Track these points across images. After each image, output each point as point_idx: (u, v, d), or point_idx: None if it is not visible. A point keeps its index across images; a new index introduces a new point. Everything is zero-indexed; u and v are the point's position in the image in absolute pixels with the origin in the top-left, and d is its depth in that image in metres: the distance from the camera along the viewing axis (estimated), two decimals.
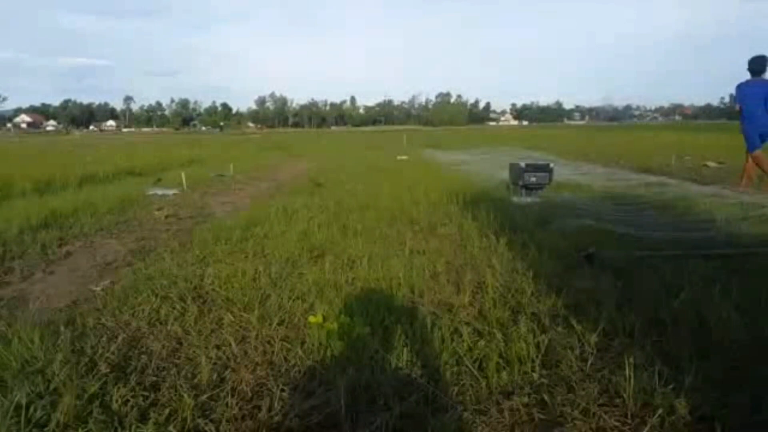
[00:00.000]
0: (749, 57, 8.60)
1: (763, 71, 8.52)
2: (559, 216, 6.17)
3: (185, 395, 2.43)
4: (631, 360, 2.49)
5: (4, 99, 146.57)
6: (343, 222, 6.10)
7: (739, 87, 8.81)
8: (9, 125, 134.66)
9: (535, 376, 2.58)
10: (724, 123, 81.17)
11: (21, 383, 2.48)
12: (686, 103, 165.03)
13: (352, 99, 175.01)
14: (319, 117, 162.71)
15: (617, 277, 3.92)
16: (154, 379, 2.66)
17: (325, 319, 3.07)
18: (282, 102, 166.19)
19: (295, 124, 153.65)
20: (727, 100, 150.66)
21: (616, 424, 2.21)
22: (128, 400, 2.40)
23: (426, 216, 6.51)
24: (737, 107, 8.91)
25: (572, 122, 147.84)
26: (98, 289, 4.15)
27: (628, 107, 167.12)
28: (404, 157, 18.44)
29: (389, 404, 2.35)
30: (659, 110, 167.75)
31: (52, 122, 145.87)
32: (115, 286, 4.16)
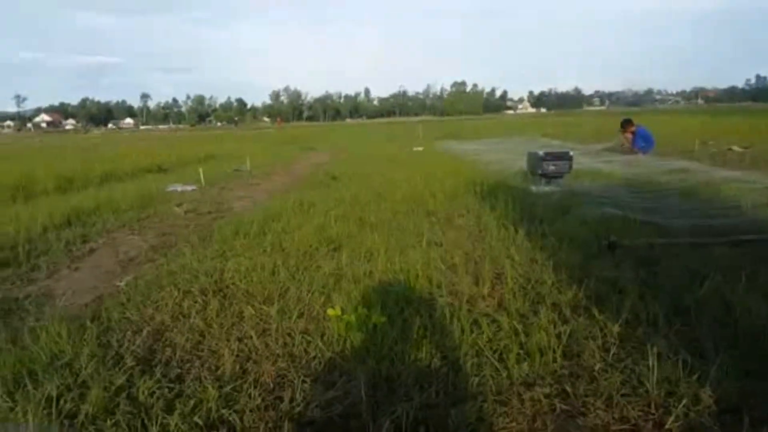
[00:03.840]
0: None
1: None
2: (579, 205, 6.10)
3: (209, 387, 2.46)
4: (655, 349, 2.47)
5: (24, 99, 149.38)
6: (360, 214, 6.10)
7: None
8: (29, 125, 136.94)
9: (557, 366, 2.57)
10: (749, 105, 79.04)
11: (50, 376, 2.56)
12: (709, 86, 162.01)
13: (366, 91, 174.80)
14: (333, 110, 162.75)
15: (640, 265, 3.87)
16: (179, 371, 2.71)
17: (343, 311, 3.09)
18: (296, 95, 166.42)
19: (310, 118, 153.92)
20: (753, 81, 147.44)
21: (640, 413, 2.19)
22: (154, 392, 2.45)
23: (443, 207, 6.49)
24: None
25: (592, 108, 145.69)
26: (122, 284, 4.21)
27: (649, 91, 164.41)
28: (420, 148, 18.37)
29: (410, 394, 2.35)
30: (681, 94, 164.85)
31: (71, 121, 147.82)
32: (138, 281, 4.22)
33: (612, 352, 2.65)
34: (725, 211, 5.54)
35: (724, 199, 6.22)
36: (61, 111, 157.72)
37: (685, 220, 5.18)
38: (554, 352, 2.65)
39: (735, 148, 12.65)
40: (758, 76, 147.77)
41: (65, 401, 2.36)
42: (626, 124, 13.10)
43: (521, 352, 2.68)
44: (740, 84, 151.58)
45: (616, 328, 2.85)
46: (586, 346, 2.73)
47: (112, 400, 2.39)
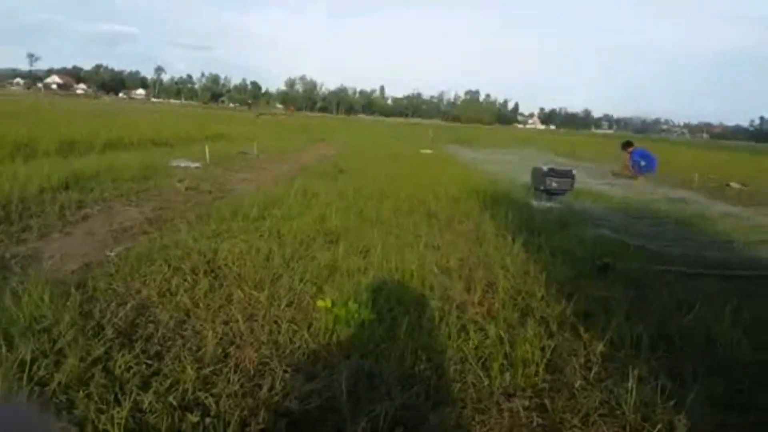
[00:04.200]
0: None
1: None
2: (577, 223, 6.11)
3: (188, 367, 2.45)
4: (636, 372, 2.48)
5: (37, 59, 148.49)
6: (361, 209, 6.10)
7: None
8: (39, 85, 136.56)
9: (538, 379, 2.57)
10: (752, 145, 80.00)
11: (27, 340, 2.52)
12: (715, 122, 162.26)
13: (382, 89, 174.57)
14: (347, 103, 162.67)
15: (629, 288, 3.88)
16: (159, 348, 2.70)
17: (333, 304, 3.08)
18: (311, 86, 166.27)
19: (323, 109, 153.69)
20: (757, 122, 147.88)
21: None
22: (131, 367, 2.43)
23: (444, 210, 6.49)
24: None
25: (599, 131, 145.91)
26: (112, 254, 4.19)
27: (656, 120, 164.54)
28: (429, 151, 18.39)
29: (391, 394, 2.35)
30: (687, 126, 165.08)
31: (82, 86, 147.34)
32: (129, 252, 4.19)
33: (594, 371, 2.66)
34: (717, 245, 5.55)
35: (718, 233, 6.23)
36: (74, 75, 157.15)
37: (678, 249, 5.19)
38: (537, 365, 2.65)
39: (733, 184, 12.68)
40: (762, 118, 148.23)
41: (39, 367, 2.32)
42: (626, 145, 13.34)
43: (505, 362, 2.69)
44: (745, 124, 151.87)
45: (600, 348, 2.86)
46: (568, 362, 2.74)
47: (88, 370, 2.36)
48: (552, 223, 5.98)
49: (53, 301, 2.98)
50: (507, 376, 2.58)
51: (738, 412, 2.34)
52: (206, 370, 2.48)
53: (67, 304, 2.98)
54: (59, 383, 2.25)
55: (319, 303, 3.10)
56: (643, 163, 12.80)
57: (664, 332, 3.08)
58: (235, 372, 2.49)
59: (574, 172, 8.12)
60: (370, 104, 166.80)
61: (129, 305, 3.13)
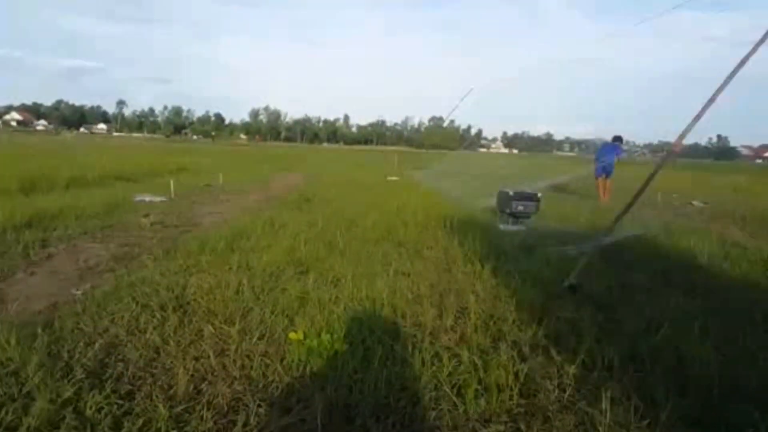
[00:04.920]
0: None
1: None
2: (543, 245, 6.21)
3: (160, 406, 2.41)
4: (609, 393, 2.52)
5: None
6: (330, 239, 6.10)
7: None
8: None
9: (513, 404, 2.59)
10: (711, 163, 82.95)
11: None
12: (674, 141, 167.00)
13: (346, 117, 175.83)
14: (311, 133, 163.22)
15: (598, 309, 3.96)
16: (130, 387, 2.64)
17: (305, 336, 3.07)
18: (275, 115, 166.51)
19: (288, 139, 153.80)
20: (715, 140, 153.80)
21: None
22: (102, 408, 2.38)
23: (413, 237, 6.53)
24: None
25: (561, 153, 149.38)
26: (79, 292, 4.10)
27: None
28: (395, 178, 18.52)
29: (366, 425, 2.34)
30: (648, 146, 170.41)
31: (42, 122, 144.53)
32: (95, 290, 4.11)
33: (567, 393, 2.69)
34: (682, 262, 5.70)
35: (682, 251, 6.40)
36: (33, 111, 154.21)
37: (645, 267, 5.31)
38: (511, 389, 2.68)
39: (696, 202, 13.09)
40: (719, 136, 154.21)
41: (7, 412, 2.27)
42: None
43: (479, 387, 2.70)
44: (703, 142, 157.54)
45: (572, 370, 2.89)
46: (542, 385, 2.76)
47: (58, 413, 2.31)
48: (519, 246, 6.07)
49: (20, 343, 2.91)
50: (482, 401, 2.59)
51: (710, 429, 2.39)
52: (178, 408, 2.43)
53: (34, 345, 2.91)
54: (29, 427, 2.19)
55: (291, 335, 3.08)
56: (602, 161, 13.32)
57: (635, 352, 3.14)
58: (208, 409, 2.45)
59: (539, 195, 8.28)
60: (334, 132, 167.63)
61: (98, 344, 3.06)
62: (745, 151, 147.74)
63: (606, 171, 13.46)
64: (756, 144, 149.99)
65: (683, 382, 2.78)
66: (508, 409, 2.55)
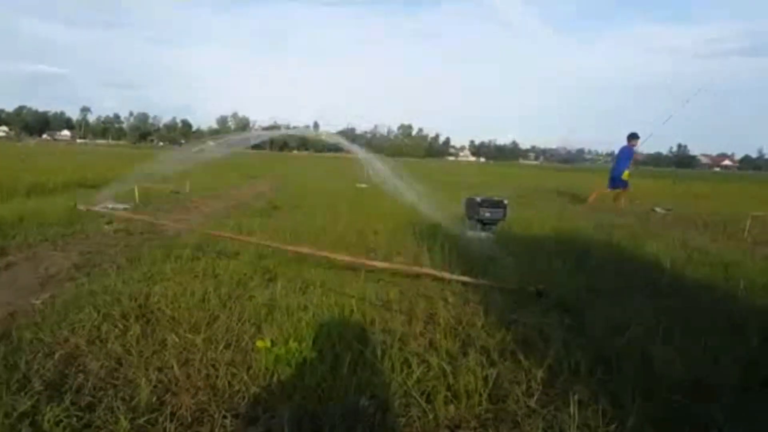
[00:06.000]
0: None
1: None
2: (510, 251, 6.26)
3: (122, 417, 2.33)
4: (576, 397, 2.54)
5: None
6: (298, 246, 6.03)
7: None
8: None
9: (482, 410, 2.59)
10: (673, 171, 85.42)
11: None
12: (636, 150, 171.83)
13: (315, 125, 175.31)
14: (281, 140, 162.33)
15: (565, 313, 4.00)
16: (90, 399, 2.55)
17: (273, 343, 3.02)
18: (244, 122, 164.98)
19: (256, 146, 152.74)
20: (675, 149, 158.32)
21: None
22: (61, 420, 2.29)
23: (382, 244, 6.52)
24: None
25: (527, 162, 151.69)
26: (38, 302, 3.97)
27: (581, 150, 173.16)
28: (363, 185, 18.49)
29: None
30: (611, 155, 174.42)
31: (3, 128, 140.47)
32: (55, 300, 3.99)
33: (535, 398, 2.70)
34: (645, 266, 5.83)
35: (645, 255, 6.54)
36: None
37: (610, 271, 5.40)
38: (480, 395, 2.67)
39: (658, 209, 13.42)
40: (680, 145, 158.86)
41: None
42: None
43: (449, 393, 2.69)
44: (665, 151, 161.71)
45: (540, 374, 2.91)
46: (511, 390, 2.77)
47: (14, 427, 2.22)
48: (487, 253, 6.11)
49: None
50: (451, 407, 2.58)
51: (676, 428, 2.43)
52: (141, 420, 2.36)
53: None
54: None
55: (259, 343, 3.03)
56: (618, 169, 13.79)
57: (601, 355, 3.17)
58: (172, 420, 2.39)
59: (506, 202, 8.36)
60: (304, 140, 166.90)
61: (57, 355, 2.96)
62: (704, 160, 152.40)
63: (616, 184, 13.83)
64: (714, 153, 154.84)
65: (649, 384, 2.82)
66: (477, 414, 2.55)
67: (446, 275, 4.81)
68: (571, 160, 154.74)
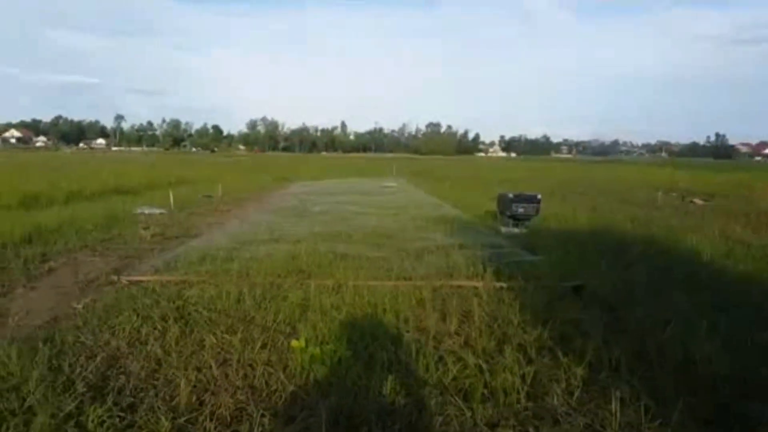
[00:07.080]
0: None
1: None
2: (545, 247, 6.17)
3: (163, 418, 2.37)
4: (618, 394, 2.48)
5: None
6: (331, 246, 6.07)
7: None
8: None
9: (520, 407, 2.55)
10: (710, 161, 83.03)
11: None
12: (672, 141, 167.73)
13: (343, 125, 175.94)
14: (309, 142, 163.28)
15: (603, 309, 3.92)
16: (132, 400, 2.61)
17: (308, 343, 3.03)
18: (273, 126, 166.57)
19: (286, 148, 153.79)
20: (713, 138, 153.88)
21: None
22: (104, 421, 2.35)
23: (412, 242, 6.50)
24: None
25: (559, 155, 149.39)
26: (79, 306, 4.07)
27: (615, 142, 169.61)
28: (392, 184, 18.51)
29: None
30: (646, 146, 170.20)
31: (42, 138, 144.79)
32: (96, 303, 4.09)
33: (576, 395, 2.65)
34: (685, 259, 5.67)
35: (684, 248, 6.37)
36: (33, 128, 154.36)
37: (647, 266, 5.26)
38: (518, 392, 2.64)
39: (696, 200, 13.06)
40: (717, 134, 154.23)
41: (8, 428, 2.24)
42: None
43: (486, 391, 2.67)
44: (701, 141, 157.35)
45: (579, 371, 2.85)
46: (549, 388, 2.72)
47: (59, 427, 2.28)
48: (522, 249, 6.04)
49: (20, 357, 2.88)
50: (489, 405, 2.56)
51: (722, 427, 2.35)
52: (181, 420, 2.40)
53: (35, 360, 2.89)
54: None
55: (294, 343, 3.05)
56: None
57: (642, 351, 3.10)
58: (211, 419, 2.42)
59: (539, 197, 8.26)
60: (332, 141, 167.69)
61: (99, 357, 3.04)
62: (743, 149, 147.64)
63: None
64: (754, 141, 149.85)
65: (693, 381, 2.74)
66: (516, 412, 2.52)
67: (478, 284, 4.76)
68: (605, 152, 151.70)
